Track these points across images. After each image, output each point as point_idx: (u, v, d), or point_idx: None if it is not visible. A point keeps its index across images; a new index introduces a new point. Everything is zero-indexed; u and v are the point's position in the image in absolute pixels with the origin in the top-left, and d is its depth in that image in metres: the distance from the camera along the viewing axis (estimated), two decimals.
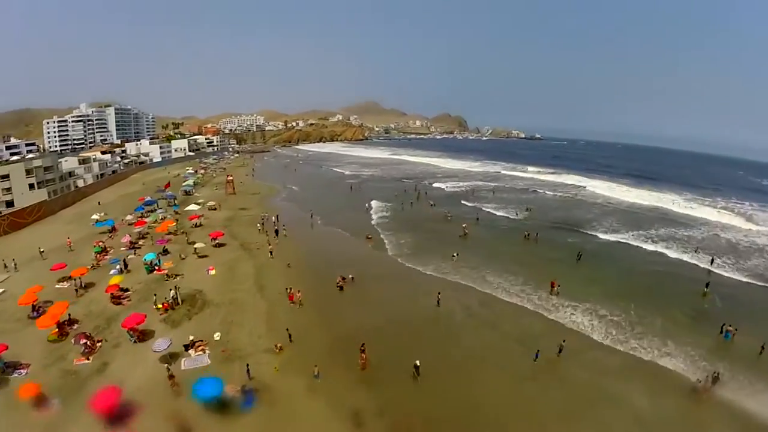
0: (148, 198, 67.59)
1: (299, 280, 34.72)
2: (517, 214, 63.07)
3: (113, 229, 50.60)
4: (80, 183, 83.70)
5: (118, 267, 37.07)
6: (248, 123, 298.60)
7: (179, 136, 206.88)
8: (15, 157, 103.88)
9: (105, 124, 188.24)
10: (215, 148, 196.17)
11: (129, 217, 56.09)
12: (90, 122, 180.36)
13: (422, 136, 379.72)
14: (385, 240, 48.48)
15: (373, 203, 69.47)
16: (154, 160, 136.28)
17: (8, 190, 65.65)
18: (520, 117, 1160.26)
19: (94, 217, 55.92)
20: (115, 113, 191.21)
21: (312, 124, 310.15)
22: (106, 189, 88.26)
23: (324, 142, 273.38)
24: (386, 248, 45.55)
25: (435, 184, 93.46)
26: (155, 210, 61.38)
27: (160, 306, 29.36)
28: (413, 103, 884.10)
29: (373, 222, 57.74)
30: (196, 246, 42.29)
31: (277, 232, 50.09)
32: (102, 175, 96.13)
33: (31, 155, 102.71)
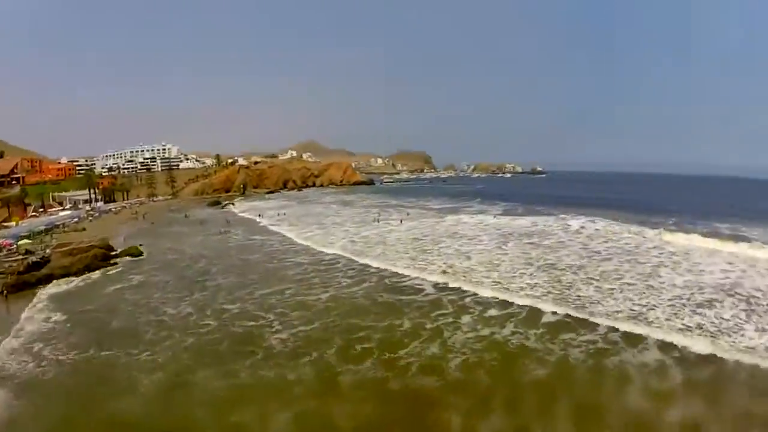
0: None
1: None
2: None
3: None
4: None
5: None
6: (148, 156, 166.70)
7: None
8: None
9: None
10: None
11: None
12: None
13: (395, 176, 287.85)
14: None
15: None
16: None
17: None
18: (483, 152, 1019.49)
19: None
20: None
21: (257, 163, 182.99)
22: None
23: (295, 190, 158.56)
24: None
25: None
26: None
27: None
28: (357, 142, 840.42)
29: None
30: None
31: None
32: None
33: None
